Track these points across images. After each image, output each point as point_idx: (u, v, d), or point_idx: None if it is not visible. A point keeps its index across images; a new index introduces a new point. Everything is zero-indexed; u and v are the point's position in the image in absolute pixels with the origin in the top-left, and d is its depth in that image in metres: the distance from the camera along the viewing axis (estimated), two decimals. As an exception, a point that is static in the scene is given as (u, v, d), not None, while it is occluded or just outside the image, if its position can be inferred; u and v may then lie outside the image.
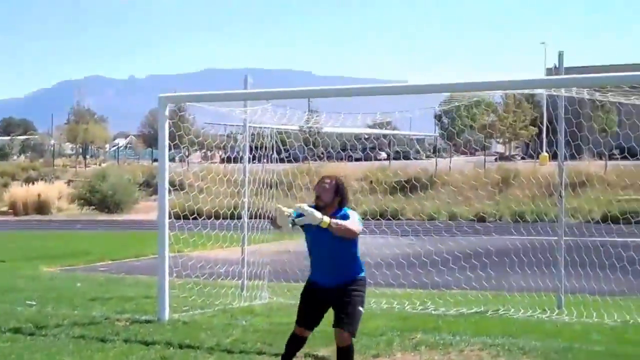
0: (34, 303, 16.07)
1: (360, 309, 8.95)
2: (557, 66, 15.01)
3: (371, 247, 25.50)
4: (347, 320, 8.83)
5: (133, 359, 10.91)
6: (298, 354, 10.65)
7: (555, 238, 14.91)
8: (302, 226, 8.88)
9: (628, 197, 36.34)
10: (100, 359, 11.03)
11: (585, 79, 14.16)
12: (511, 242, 23.66)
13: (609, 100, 16.25)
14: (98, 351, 11.43)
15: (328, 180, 9.06)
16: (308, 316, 9.31)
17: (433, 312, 14.44)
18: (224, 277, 17.40)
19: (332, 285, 8.99)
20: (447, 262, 19.15)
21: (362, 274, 9.14)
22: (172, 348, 11.45)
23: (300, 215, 8.71)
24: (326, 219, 8.57)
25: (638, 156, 34.48)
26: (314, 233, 8.93)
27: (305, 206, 8.68)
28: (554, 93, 15.30)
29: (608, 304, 14.56)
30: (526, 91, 16.75)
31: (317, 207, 8.86)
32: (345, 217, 8.80)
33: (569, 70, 16.38)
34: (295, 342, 9.42)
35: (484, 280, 17.54)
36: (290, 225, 8.86)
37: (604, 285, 16.10)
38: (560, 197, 14.62)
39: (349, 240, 8.83)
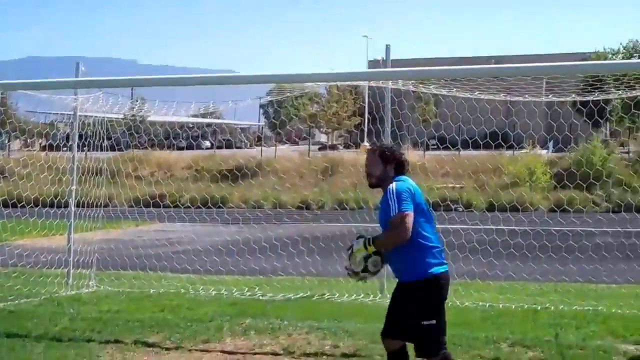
0: None
1: (425, 323, 7.22)
2: (385, 58, 15.48)
3: (200, 234, 25.67)
4: (416, 344, 7.38)
5: (-45, 350, 10.72)
6: (128, 340, 10.81)
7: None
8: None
9: (447, 185, 37.66)
10: None
11: (408, 72, 14.65)
12: (335, 228, 24.26)
13: (432, 92, 16.95)
14: None
15: (371, 152, 7.57)
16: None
17: (261, 297, 14.68)
18: (49, 266, 17.13)
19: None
20: (275, 248, 19.46)
21: (423, 278, 7.28)
22: (-2, 337, 11.31)
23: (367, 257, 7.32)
24: (362, 247, 7.31)
25: (457, 146, 35.81)
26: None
27: (347, 262, 7.46)
28: (381, 85, 15.81)
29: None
30: (349, 83, 17.26)
31: (371, 186, 7.55)
32: (386, 190, 7.25)
33: (396, 62, 16.93)
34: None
35: (311, 266, 17.93)
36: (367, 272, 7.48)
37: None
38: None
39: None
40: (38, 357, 10.22)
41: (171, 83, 13.66)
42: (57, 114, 17.59)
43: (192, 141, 63.90)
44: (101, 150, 18.10)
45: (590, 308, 13.05)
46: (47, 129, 20.71)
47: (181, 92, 19.79)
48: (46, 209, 18.59)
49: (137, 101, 25.08)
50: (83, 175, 17.22)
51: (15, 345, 10.85)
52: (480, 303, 13.72)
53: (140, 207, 25.25)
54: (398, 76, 14.88)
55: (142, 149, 44.29)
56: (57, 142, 18.18)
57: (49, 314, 13.07)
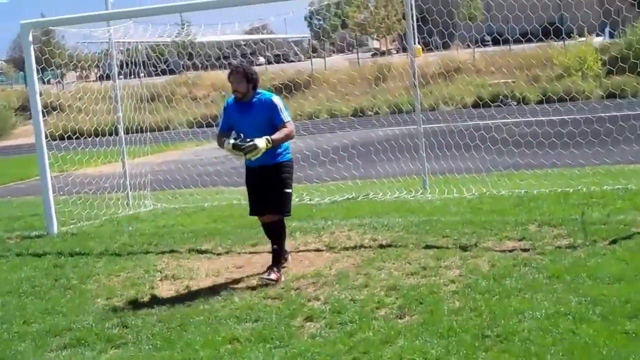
0: None
1: (287, 190, 10.05)
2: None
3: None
4: (274, 203, 10.01)
5: (27, 269, 11.76)
6: (183, 249, 11.79)
7: (415, 126, 16.06)
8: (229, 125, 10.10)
9: (498, 81, 37.94)
10: (-6, 273, 11.83)
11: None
12: (388, 132, 24.93)
13: None
14: (-10, 266, 12.25)
15: (237, 71, 9.95)
16: (252, 200, 10.24)
17: (309, 202, 15.55)
18: (109, 190, 18.16)
19: (256, 165, 9.95)
20: (326, 155, 20.12)
21: (286, 158, 10.08)
22: (63, 257, 12.36)
23: (239, 138, 9.73)
24: (265, 144, 9.58)
25: (508, 41, 35.96)
26: (235, 121, 10.03)
27: (232, 143, 9.68)
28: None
29: (467, 180, 15.83)
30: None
31: (236, 99, 10.01)
32: (268, 104, 9.88)
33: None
34: (266, 229, 10.43)
35: (353, 170, 18.65)
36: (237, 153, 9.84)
37: (463, 164, 17.43)
38: (415, 86, 15.71)
39: (269, 127, 9.81)
40: (99, 271, 11.25)
41: (212, 6, 14.28)
42: (108, 42, 18.23)
43: (245, 59, 64.41)
44: (151, 76, 18.86)
45: (620, 187, 13.67)
46: (100, 59, 21.26)
47: (225, 11, 20.26)
48: (104, 137, 19.46)
49: (181, 25, 25.78)
50: (136, 102, 18.09)
51: (78, 262, 11.90)
52: (516, 190, 14.41)
53: (196, 128, 26.10)
54: None
55: (195, 70, 45.00)
56: (111, 71, 18.90)
57: (109, 232, 14.15)
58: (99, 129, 19.22)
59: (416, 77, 15.75)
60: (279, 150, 9.98)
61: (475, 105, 30.56)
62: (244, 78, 9.91)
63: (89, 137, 19.21)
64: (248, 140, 9.63)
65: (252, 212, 10.35)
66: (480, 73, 40.45)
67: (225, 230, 13.20)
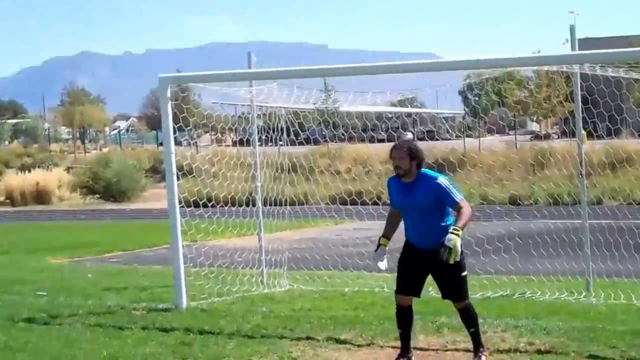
0: (45, 294, 17.16)
1: (463, 274, 10.31)
2: (570, 39, 15.72)
3: (398, 231, 26.43)
4: (455, 292, 10.39)
5: (152, 345, 12.01)
6: (320, 337, 11.83)
7: (580, 221, 15.86)
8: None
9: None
10: (119, 345, 12.09)
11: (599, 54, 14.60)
12: (549, 225, 24.61)
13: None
14: (116, 338, 12.55)
15: (400, 147, 10.18)
16: (406, 279, 10.49)
17: (459, 296, 15.44)
18: (243, 265, 18.38)
19: (428, 246, 10.14)
20: (480, 245, 20.02)
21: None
22: (191, 334, 12.59)
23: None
24: (455, 240, 9.73)
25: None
26: (399, 201, 10.42)
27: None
28: (592, 72, 16.03)
29: (637, 286, 15.50)
30: (554, 68, 17.47)
31: (397, 176, 10.21)
32: (434, 186, 10.00)
33: (585, 42, 17.21)
34: (402, 314, 10.58)
35: (509, 263, 18.44)
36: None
37: (633, 267, 17.10)
38: (581, 176, 15.56)
39: (435, 210, 10.09)
40: (230, 353, 11.39)
41: (361, 72, 14.49)
42: (246, 105, 18.60)
43: (392, 132, 64.63)
44: (293, 144, 19.05)
45: None
46: (237, 122, 21.62)
47: (372, 79, 20.45)
48: (241, 207, 19.59)
49: (326, 91, 26.12)
50: (274, 171, 18.37)
51: (208, 341, 12.09)
52: None
53: (338, 204, 26.29)
54: (588, 59, 15.00)
55: (337, 142, 45.53)
56: (247, 136, 19.17)
57: (242, 312, 14.35)
58: (236, 198, 19.37)
59: (583, 166, 15.61)
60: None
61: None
62: (408, 155, 10.08)
63: (224, 206, 19.37)
64: (441, 250, 9.75)
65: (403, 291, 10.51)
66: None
67: (367, 320, 13.23)
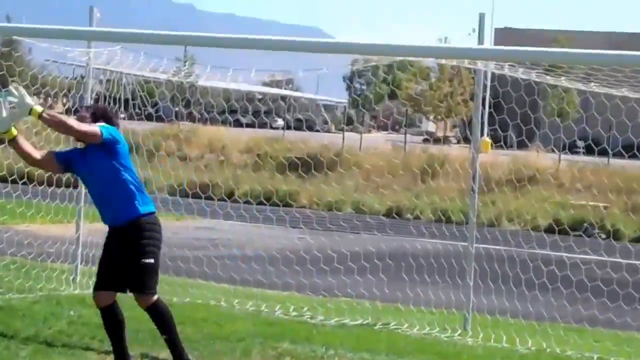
0: None
1: (147, 261, 10.72)
2: (478, 30, 15.81)
3: (252, 236, 26.48)
4: (137, 283, 10.77)
5: None
6: (134, 353, 11.73)
7: (465, 244, 16.06)
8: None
9: (587, 202, 37.96)
10: None
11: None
12: (430, 245, 24.87)
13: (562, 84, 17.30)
14: None
15: (86, 108, 11.28)
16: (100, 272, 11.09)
17: (309, 319, 15.50)
18: (53, 258, 18.14)
19: (112, 224, 10.95)
20: (342, 262, 20.04)
21: (141, 212, 10.79)
22: (-23, 336, 12.33)
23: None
24: (38, 107, 10.35)
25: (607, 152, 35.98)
26: (79, 170, 11.14)
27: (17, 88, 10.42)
28: (499, 70, 16.17)
29: (523, 328, 15.76)
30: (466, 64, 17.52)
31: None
32: None
33: (503, 32, 17.42)
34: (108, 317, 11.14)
35: (375, 288, 18.57)
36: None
37: (521, 306, 17.36)
38: (472, 191, 15.78)
39: (116, 171, 10.71)
40: (22, 362, 11.22)
41: (230, 45, 14.35)
42: (86, 67, 18.04)
43: (262, 117, 64.49)
44: (138, 119, 18.82)
45: None
46: (73, 87, 21.10)
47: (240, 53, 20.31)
48: (59, 189, 19.16)
49: (184, 61, 26.02)
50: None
51: (-3, 345, 11.88)
52: (587, 354, 14.32)
53: (181, 197, 26.07)
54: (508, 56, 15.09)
55: (190, 122, 45.34)
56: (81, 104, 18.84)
57: (45, 313, 14.14)
58: (54, 177, 19.01)
59: (477, 180, 15.81)
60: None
61: (550, 230, 30.42)
62: (91, 117, 10.95)
63: (39, 186, 18.94)
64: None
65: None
66: (562, 188, 40.53)
67: (194, 338, 13.12)
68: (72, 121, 10.56)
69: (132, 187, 10.74)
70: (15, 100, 10.16)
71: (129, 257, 10.63)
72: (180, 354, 10.83)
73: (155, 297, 10.84)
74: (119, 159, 10.72)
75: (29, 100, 10.22)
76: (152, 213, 10.88)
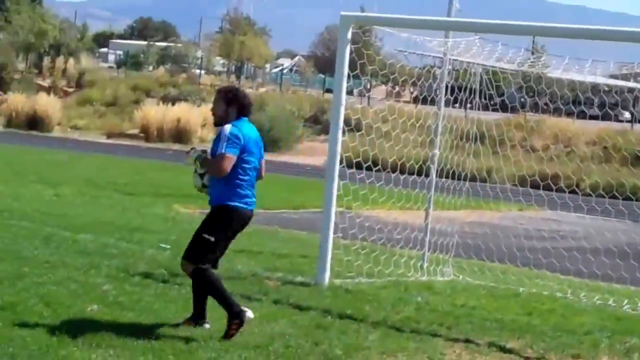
0: (168, 247, 17.43)
1: (205, 236, 11.03)
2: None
3: (601, 229, 25.83)
4: (187, 248, 11.19)
5: (283, 323, 12.03)
6: (481, 342, 11.73)
7: None
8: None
9: None
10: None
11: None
12: None
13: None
14: (243, 310, 12.65)
15: (217, 92, 11.48)
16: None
17: (657, 316, 15.06)
18: (402, 245, 18.31)
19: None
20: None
21: (221, 203, 11.07)
22: (329, 317, 12.60)
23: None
24: (194, 161, 11.05)
25: None
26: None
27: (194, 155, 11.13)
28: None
29: None
30: None
31: (215, 125, 11.33)
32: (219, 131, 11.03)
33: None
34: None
35: None
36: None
37: None
38: None
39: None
40: (372, 345, 11.36)
41: (580, 35, 14.09)
42: (435, 57, 18.30)
43: (607, 110, 63.12)
44: (485, 110, 18.77)
45: None
46: (422, 76, 21.24)
47: (593, 45, 19.85)
48: (410, 176, 19.17)
49: (535, 52, 25.72)
50: (456, 139, 18.20)
51: (347, 327, 12.09)
52: None
53: (527, 187, 25.80)
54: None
55: (537, 113, 44.90)
56: (432, 94, 18.97)
57: (393, 299, 14.36)
58: (406, 164, 19.05)
59: None
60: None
61: None
62: (223, 99, 11.21)
63: (391, 172, 19.04)
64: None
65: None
66: None
67: (540, 329, 13.03)
68: (218, 164, 10.85)
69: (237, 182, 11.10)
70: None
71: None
72: (229, 307, 11.02)
73: (193, 267, 11.07)
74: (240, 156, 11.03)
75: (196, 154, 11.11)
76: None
